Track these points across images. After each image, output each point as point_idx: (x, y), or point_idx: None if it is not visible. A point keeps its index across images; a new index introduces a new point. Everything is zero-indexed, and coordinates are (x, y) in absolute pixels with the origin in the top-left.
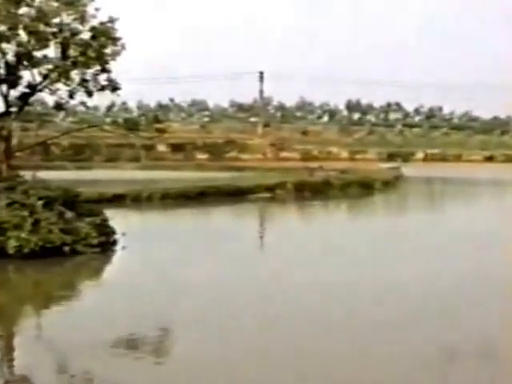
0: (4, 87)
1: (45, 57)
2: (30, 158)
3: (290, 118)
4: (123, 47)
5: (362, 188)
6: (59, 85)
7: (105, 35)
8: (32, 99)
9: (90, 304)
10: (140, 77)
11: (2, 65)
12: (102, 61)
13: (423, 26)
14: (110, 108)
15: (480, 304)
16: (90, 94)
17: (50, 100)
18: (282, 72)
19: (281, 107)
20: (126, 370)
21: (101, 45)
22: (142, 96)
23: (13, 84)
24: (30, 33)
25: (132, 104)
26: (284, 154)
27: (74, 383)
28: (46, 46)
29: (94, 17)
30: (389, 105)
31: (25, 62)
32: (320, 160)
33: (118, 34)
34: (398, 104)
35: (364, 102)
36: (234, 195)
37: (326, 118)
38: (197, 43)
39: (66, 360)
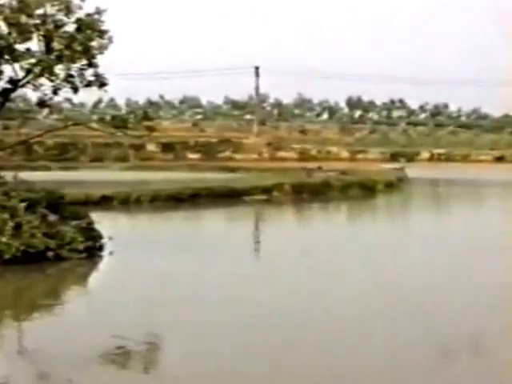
0: None
1: (27, 50)
2: (11, 158)
3: (288, 116)
4: (111, 40)
5: (363, 190)
6: (43, 80)
7: (91, 27)
8: (14, 95)
9: (75, 314)
10: (129, 72)
11: None
12: (89, 55)
13: (428, 17)
14: (96, 105)
15: None
16: (75, 89)
17: (33, 96)
18: (278, 67)
19: (278, 104)
20: None
21: (87, 38)
22: (130, 92)
23: None
24: (11, 25)
25: (120, 101)
26: (281, 154)
27: None
28: (28, 39)
29: (79, 8)
30: (392, 102)
31: (6, 56)
32: (319, 160)
33: (105, 27)
34: (401, 101)
35: (366, 98)
36: (228, 197)
37: (325, 116)
38: (189, 36)
39: (44, 375)
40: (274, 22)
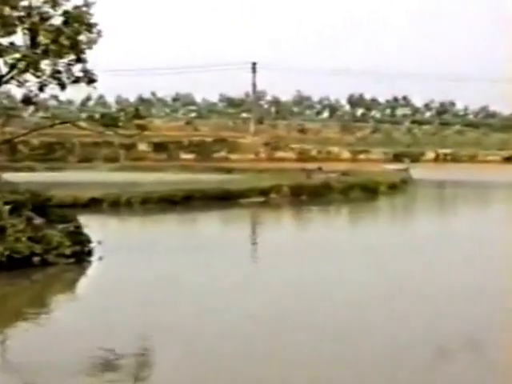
0: None
1: (11, 44)
2: None
3: (286, 114)
4: (100, 34)
5: (365, 192)
6: (28, 76)
7: (79, 21)
8: None
9: (61, 323)
10: (119, 68)
11: None
12: (77, 49)
13: (435, 9)
14: (85, 102)
15: None
16: (62, 86)
17: (18, 93)
18: (276, 63)
19: (276, 102)
20: None
21: (74, 31)
22: (121, 89)
23: None
24: None
25: (110, 98)
26: (279, 154)
27: None
28: (12, 33)
29: (67, 0)
30: (395, 99)
31: None
32: (319, 161)
33: (94, 20)
34: (405, 98)
35: (368, 96)
36: (223, 200)
37: (325, 114)
38: (182, 30)
39: None
40: (271, 16)
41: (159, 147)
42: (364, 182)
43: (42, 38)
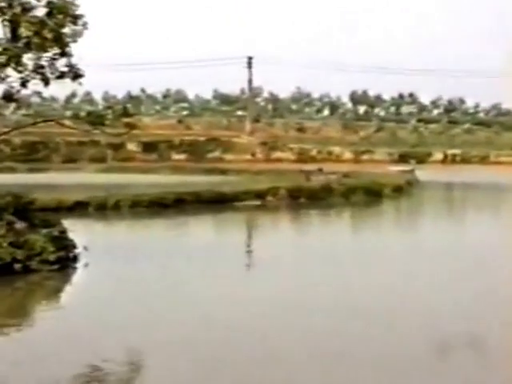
0: None
1: None
2: None
3: (284, 112)
4: (85, 27)
5: (369, 195)
6: (9, 71)
7: (63, 12)
8: None
9: (44, 335)
10: (106, 62)
11: None
12: (61, 43)
13: (442, 2)
14: (70, 99)
15: None
16: (46, 82)
17: None
18: (274, 57)
19: (273, 99)
20: None
21: (59, 23)
22: (108, 85)
23: None
24: None
25: (97, 95)
26: (276, 155)
27: None
28: None
29: None
30: (401, 96)
31: None
32: (319, 162)
33: (79, 11)
34: (411, 95)
35: (372, 92)
36: (216, 203)
37: (326, 112)
38: (174, 23)
39: None
40: (268, 7)
41: (149, 147)
42: (367, 185)
43: (24, 31)
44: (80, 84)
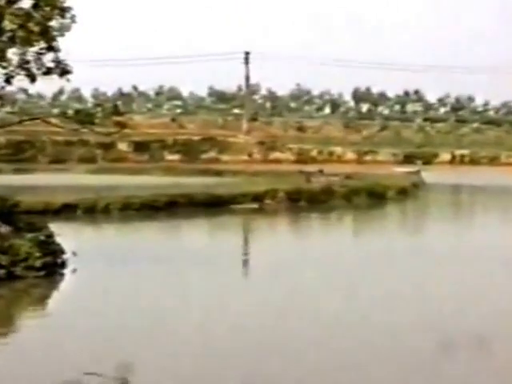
0: None
1: None
2: None
3: (283, 110)
4: (74, 20)
5: (372, 198)
6: None
7: (50, 4)
8: None
9: (28, 345)
10: (96, 58)
11: None
12: (48, 37)
13: None
14: (57, 96)
15: None
16: (32, 78)
17: None
18: (272, 53)
19: (271, 96)
20: None
21: (45, 16)
22: (98, 82)
23: None
24: None
25: (86, 92)
26: (275, 155)
27: None
28: None
29: None
30: (406, 93)
31: None
32: (320, 162)
33: (67, 3)
34: (417, 92)
35: (375, 90)
36: (211, 206)
37: (327, 110)
38: (168, 17)
39: None
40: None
41: (141, 147)
42: (370, 187)
43: (8, 23)
44: (68, 80)
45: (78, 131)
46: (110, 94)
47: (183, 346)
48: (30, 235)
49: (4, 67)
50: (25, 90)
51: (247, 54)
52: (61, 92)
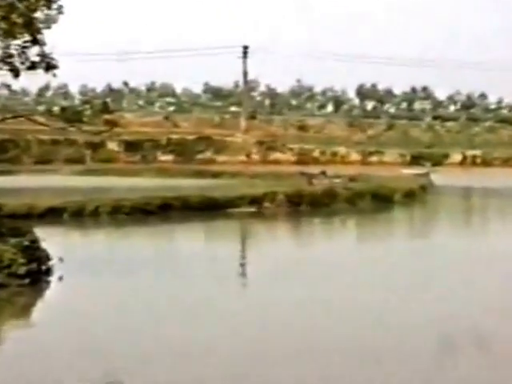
0: None
1: None
2: None
3: (283, 108)
4: (60, 11)
5: (377, 201)
6: None
7: None
8: None
9: (9, 359)
10: (84, 51)
11: None
12: (32, 29)
13: None
14: (42, 92)
15: None
16: (15, 73)
17: None
18: (272, 47)
19: (271, 93)
20: None
21: (30, 7)
22: (86, 77)
23: None
24: None
25: (73, 88)
26: (275, 156)
27: None
28: None
29: None
30: (414, 90)
31: None
32: (322, 164)
33: None
34: (425, 89)
35: (381, 86)
36: (207, 209)
37: (330, 108)
38: (160, 8)
39: None
40: None
41: (132, 147)
42: (376, 190)
43: None
44: (54, 75)
45: (64, 130)
46: (98, 90)
47: (172, 355)
48: (13, 240)
49: None
50: (8, 86)
51: (245, 48)
52: (46, 88)
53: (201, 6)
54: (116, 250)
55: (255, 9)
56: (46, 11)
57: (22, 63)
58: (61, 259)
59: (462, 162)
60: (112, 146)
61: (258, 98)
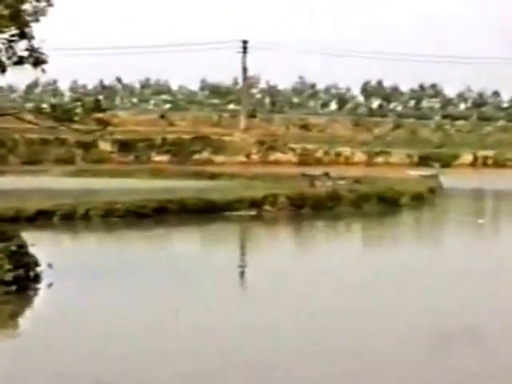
0: None
1: None
2: None
3: (285, 106)
4: (50, 3)
5: (384, 204)
6: None
7: None
8: None
9: None
10: (74, 46)
11: None
12: (19, 22)
13: None
14: (31, 89)
15: None
16: (2, 68)
17: None
18: (272, 42)
19: (271, 90)
20: None
21: None
22: (77, 73)
23: None
24: None
25: (63, 84)
26: (275, 156)
27: None
28: None
29: None
30: (422, 88)
31: None
32: (325, 164)
33: None
34: (434, 86)
35: (387, 83)
36: (204, 213)
37: (333, 106)
38: (155, 4)
39: None
40: None
41: (125, 146)
42: (382, 192)
43: None
44: (43, 71)
45: (54, 129)
46: (90, 86)
47: (165, 370)
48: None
49: None
50: None
51: (245, 42)
52: (35, 84)
53: (196, 1)
54: (108, 256)
55: (256, 4)
56: (34, 3)
57: (9, 58)
58: (50, 265)
59: (473, 163)
60: (104, 145)
61: (258, 96)
